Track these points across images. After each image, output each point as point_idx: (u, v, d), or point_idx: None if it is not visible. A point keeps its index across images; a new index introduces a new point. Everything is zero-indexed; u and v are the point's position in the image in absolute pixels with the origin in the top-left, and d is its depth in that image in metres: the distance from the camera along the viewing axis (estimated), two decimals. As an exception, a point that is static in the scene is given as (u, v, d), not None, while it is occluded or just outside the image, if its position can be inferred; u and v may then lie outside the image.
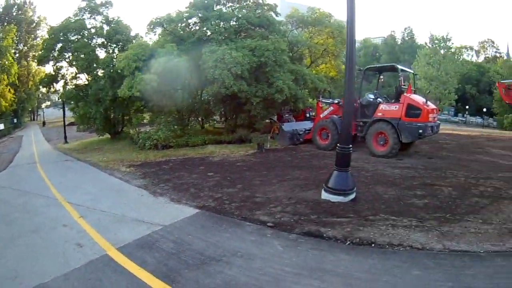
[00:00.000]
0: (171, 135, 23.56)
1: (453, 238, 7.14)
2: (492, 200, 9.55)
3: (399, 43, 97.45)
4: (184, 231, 7.97)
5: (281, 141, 21.54)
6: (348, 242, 7.05)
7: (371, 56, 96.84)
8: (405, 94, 16.60)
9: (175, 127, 25.72)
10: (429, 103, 16.68)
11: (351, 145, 9.56)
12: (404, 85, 17.22)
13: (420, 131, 15.53)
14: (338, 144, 9.71)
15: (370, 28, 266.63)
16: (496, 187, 10.87)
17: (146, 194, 11.49)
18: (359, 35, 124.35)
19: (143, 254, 6.79)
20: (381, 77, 20.40)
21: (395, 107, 16.35)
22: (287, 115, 26.45)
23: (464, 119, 79.47)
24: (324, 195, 9.53)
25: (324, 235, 7.35)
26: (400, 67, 17.67)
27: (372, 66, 22.30)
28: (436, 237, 7.17)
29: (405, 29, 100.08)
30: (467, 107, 79.53)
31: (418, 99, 16.76)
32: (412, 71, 20.52)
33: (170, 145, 22.41)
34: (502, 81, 25.72)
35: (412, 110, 15.88)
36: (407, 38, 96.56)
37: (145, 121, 33.68)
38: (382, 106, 16.86)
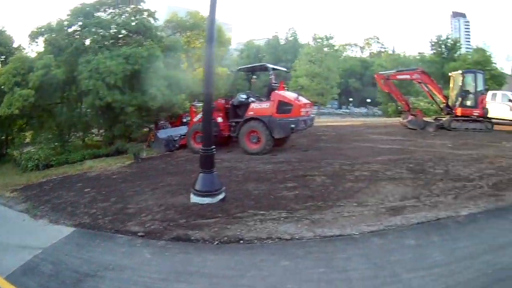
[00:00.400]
0: (51, 153, 22.18)
1: (324, 224, 7.38)
2: (368, 183, 10.03)
3: (282, 43, 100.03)
4: (62, 251, 7.80)
5: (156, 148, 21.17)
6: (216, 242, 7.13)
7: (254, 58, 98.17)
8: (276, 91, 16.91)
9: (56, 144, 24.37)
10: (300, 98, 17.25)
11: (213, 146, 9.70)
12: (275, 83, 17.52)
13: (292, 125, 15.95)
14: (201, 147, 9.84)
15: (255, 31, 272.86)
16: (373, 170, 11.45)
17: (28, 218, 10.84)
18: (244, 38, 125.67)
19: (27, 279, 6.73)
20: (254, 77, 20.69)
21: (266, 105, 16.62)
22: (162, 121, 26.14)
23: (348, 110, 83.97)
24: (193, 199, 9.51)
25: (192, 237, 7.39)
26: (270, 66, 18.09)
27: (244, 66, 22.53)
28: (307, 225, 7.37)
29: (289, 29, 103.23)
30: (350, 99, 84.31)
31: (289, 95, 17.27)
32: (284, 69, 21.06)
33: (52, 164, 21.27)
34: (380, 73, 27.03)
35: (283, 106, 16.26)
36: (290, 39, 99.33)
37: (27, 140, 31.90)
38: (253, 105, 17.07)
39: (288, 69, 22.39)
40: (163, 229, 8.04)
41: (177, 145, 20.59)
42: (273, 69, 17.99)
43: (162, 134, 21.43)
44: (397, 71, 26.31)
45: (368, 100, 77.06)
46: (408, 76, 25.17)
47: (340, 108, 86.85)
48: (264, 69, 18.49)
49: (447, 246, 6.43)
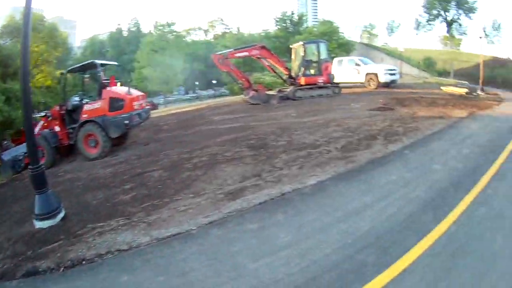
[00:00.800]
0: None
1: (161, 225, 6.95)
2: (206, 169, 9.71)
3: (125, 35, 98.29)
4: None
5: (4, 172, 19.57)
6: (62, 269, 6.49)
7: (98, 54, 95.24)
8: (107, 88, 16.21)
9: None
10: (132, 91, 16.81)
11: (41, 163, 8.74)
12: (106, 79, 16.73)
13: (126, 122, 15.47)
14: (29, 166, 8.80)
15: (101, 25, 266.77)
16: (212, 154, 11.17)
17: None
18: (89, 33, 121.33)
19: None
20: (86, 76, 19.68)
21: (98, 104, 15.91)
22: (5, 141, 24.22)
23: (195, 94, 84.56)
24: (37, 224, 8.54)
25: (40, 269, 6.66)
26: (99, 62, 17.25)
27: (73, 67, 21.36)
28: (143, 230, 6.92)
29: (132, 20, 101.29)
30: (197, 83, 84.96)
31: (120, 90, 16.74)
32: (115, 63, 20.23)
33: None
34: (217, 53, 27.05)
35: (115, 103, 15.72)
36: (133, 29, 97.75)
37: None
38: (86, 107, 16.23)
39: (124, 62, 21.40)
40: (14, 266, 7.12)
41: (22, 165, 19.11)
42: (102, 65, 17.18)
43: (6, 155, 19.85)
44: (235, 49, 26.57)
45: (214, 81, 78.22)
46: (246, 53, 25.59)
47: (187, 94, 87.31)
48: (93, 66, 17.59)
49: (294, 222, 6.21)
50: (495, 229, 6.00)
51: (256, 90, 24.85)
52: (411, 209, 6.63)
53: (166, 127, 20.30)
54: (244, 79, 25.93)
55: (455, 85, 33.13)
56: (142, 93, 17.32)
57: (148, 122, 18.27)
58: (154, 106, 52.66)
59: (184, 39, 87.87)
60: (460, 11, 79.43)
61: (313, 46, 26.12)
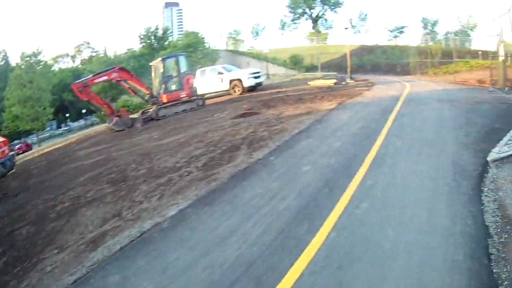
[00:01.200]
0: None
1: None
2: (69, 216, 9.04)
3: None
4: None
5: None
6: None
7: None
8: None
9: None
10: None
11: None
12: None
13: None
14: None
15: None
16: (74, 197, 10.48)
17: None
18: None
19: None
20: None
21: None
22: None
23: (67, 127, 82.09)
24: None
25: None
26: None
27: None
28: None
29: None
30: (67, 115, 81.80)
31: None
32: None
33: None
34: (76, 82, 25.42)
35: None
36: (1, 64, 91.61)
37: None
38: None
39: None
40: None
41: None
42: None
43: None
44: (94, 75, 25.12)
45: (83, 111, 75.73)
46: (106, 77, 24.57)
47: (60, 127, 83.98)
48: None
49: (157, 266, 5.77)
50: (382, 224, 5.85)
51: (119, 116, 24.15)
52: (281, 223, 6.31)
53: (36, 171, 18.84)
54: (105, 106, 25.07)
55: (323, 78, 34.30)
56: (3, 139, 15.98)
57: (20, 168, 17.38)
58: (28, 147, 50.06)
59: (52, 68, 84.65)
60: (326, 7, 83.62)
61: (172, 61, 26.08)
